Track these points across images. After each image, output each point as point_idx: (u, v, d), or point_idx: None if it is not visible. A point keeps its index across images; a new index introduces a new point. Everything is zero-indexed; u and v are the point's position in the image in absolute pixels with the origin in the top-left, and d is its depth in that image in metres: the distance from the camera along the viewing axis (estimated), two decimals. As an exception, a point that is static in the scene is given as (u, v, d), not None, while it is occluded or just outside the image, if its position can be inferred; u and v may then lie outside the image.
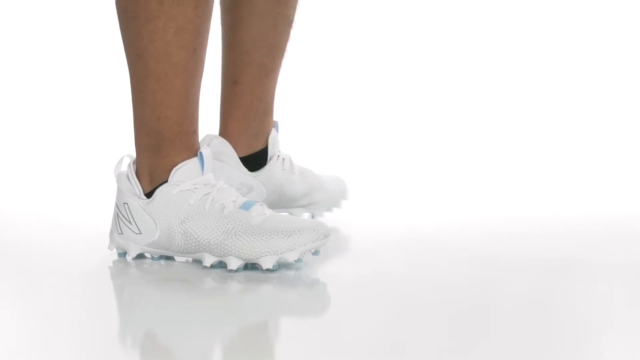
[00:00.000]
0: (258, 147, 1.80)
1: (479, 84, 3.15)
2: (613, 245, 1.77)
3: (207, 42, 1.55)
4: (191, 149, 1.56)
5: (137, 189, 1.56)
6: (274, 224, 1.50)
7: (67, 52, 3.09)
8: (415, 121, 3.06)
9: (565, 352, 1.19)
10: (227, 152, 1.75)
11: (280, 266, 1.52)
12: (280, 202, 1.82)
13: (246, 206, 1.53)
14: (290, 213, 1.85)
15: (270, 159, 1.79)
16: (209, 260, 1.51)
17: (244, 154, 1.79)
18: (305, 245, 1.49)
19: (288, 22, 1.79)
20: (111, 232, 1.59)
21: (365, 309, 1.39)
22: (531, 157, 2.77)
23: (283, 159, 1.81)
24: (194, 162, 1.54)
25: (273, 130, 1.80)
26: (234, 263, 1.50)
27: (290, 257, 1.49)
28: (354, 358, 1.17)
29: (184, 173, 1.54)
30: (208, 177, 1.55)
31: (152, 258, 1.58)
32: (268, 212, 1.53)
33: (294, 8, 1.79)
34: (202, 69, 1.55)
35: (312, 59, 3.15)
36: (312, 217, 1.87)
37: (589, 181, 2.50)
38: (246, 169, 1.78)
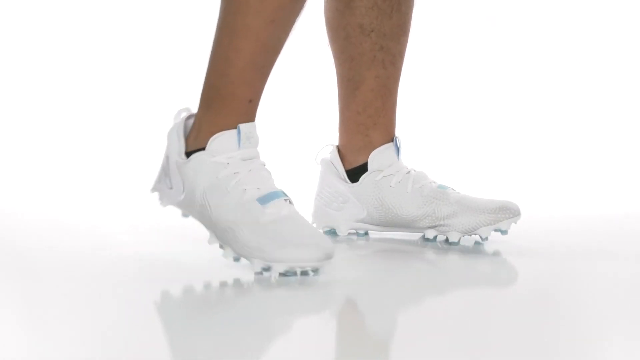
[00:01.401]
0: (361, 161, 1.79)
1: (479, 87, 3.15)
2: (613, 244, 1.78)
3: (291, 22, 1.53)
4: (238, 117, 1.54)
5: (180, 146, 1.56)
6: (280, 228, 1.47)
7: (68, 53, 3.09)
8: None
9: (565, 350, 1.20)
10: (335, 161, 1.79)
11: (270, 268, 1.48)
12: (393, 221, 1.76)
13: (265, 199, 1.50)
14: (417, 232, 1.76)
15: (367, 174, 1.77)
16: (212, 240, 1.53)
17: (349, 167, 1.79)
18: (296, 262, 1.46)
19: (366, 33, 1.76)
20: (157, 179, 1.61)
21: (367, 308, 1.40)
22: (531, 158, 2.78)
23: (392, 175, 1.76)
24: (231, 134, 1.53)
25: (385, 146, 1.77)
26: (228, 253, 1.51)
27: (278, 268, 1.46)
28: (356, 358, 1.18)
29: (219, 144, 1.53)
30: (246, 152, 1.54)
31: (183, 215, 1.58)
32: (285, 212, 1.49)
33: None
34: (278, 46, 1.53)
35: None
36: (447, 240, 1.73)
37: (588, 181, 2.51)
38: (347, 180, 1.79)
